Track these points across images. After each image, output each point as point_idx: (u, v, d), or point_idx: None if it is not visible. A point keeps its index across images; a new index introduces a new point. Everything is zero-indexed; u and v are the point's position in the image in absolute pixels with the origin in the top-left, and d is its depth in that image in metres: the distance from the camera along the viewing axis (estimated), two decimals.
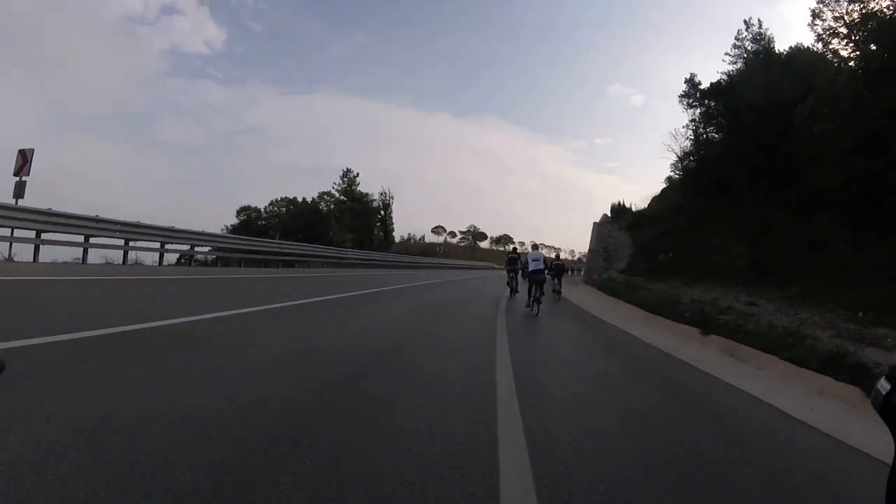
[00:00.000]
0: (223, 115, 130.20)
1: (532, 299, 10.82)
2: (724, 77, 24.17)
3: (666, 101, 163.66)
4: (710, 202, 21.60)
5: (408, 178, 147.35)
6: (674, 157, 28.69)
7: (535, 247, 12.29)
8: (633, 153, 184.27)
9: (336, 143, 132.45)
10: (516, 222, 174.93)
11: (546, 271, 11.45)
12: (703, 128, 25.64)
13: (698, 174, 24.26)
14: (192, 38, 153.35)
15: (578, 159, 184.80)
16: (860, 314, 10.42)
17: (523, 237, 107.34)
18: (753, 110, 19.44)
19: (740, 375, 5.94)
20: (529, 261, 11.13)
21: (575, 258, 51.85)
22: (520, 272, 13.95)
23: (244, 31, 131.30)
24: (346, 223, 53.49)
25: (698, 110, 29.02)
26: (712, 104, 23.52)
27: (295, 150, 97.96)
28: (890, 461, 0.64)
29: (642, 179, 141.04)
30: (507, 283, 14.57)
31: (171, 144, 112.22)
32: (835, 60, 18.33)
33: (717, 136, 24.74)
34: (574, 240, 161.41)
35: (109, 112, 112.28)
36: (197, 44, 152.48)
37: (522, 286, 12.56)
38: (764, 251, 15.53)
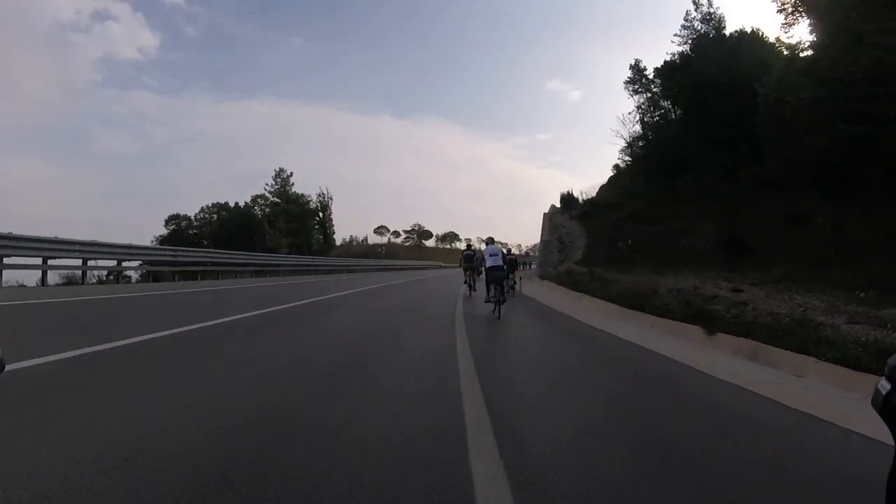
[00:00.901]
0: (159, 124, 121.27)
1: (492, 299, 9.02)
2: (676, 58, 23.29)
3: (603, 96, 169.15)
4: (667, 185, 20.47)
5: (351, 181, 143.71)
6: (622, 143, 27.85)
7: (490, 241, 10.38)
8: (574, 147, 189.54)
9: (277, 150, 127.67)
10: (462, 220, 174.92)
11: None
12: (653, 110, 24.78)
13: (652, 157, 23.21)
14: (126, 45, 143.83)
15: (521, 154, 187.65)
16: (860, 294, 9.09)
17: (470, 234, 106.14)
18: (712, 86, 18.43)
19: (786, 389, 4.01)
20: (486, 256, 9.48)
21: (522, 252, 50.42)
22: (477, 269, 13.50)
23: (179, 37, 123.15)
24: (281, 227, 49.43)
25: (644, 96, 28.74)
26: (667, 83, 22.44)
27: (236, 157, 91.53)
28: None
29: (585, 172, 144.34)
30: (465, 282, 14.05)
31: (106, 156, 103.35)
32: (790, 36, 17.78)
33: (671, 116, 23.85)
34: (520, 235, 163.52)
35: (41, 125, 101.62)
36: (130, 51, 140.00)
37: (480, 284, 11.60)
38: (736, 231, 14.28)
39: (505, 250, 15.91)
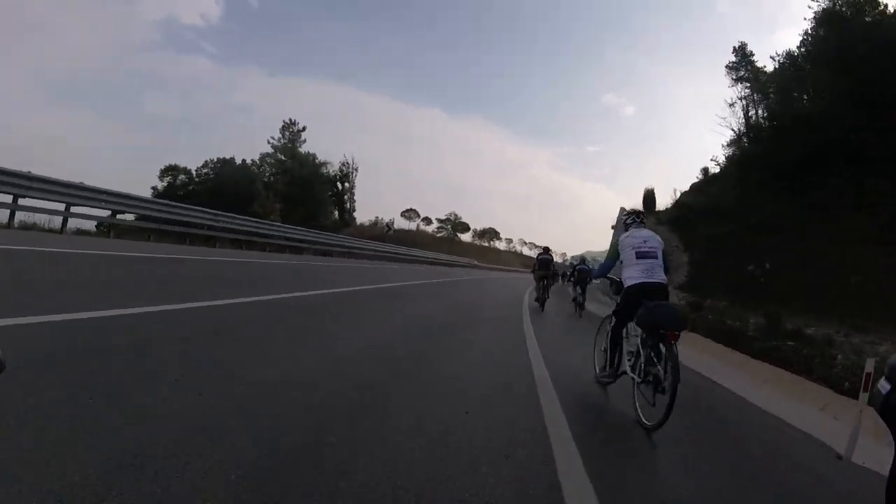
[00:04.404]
0: (210, 91, 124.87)
1: (650, 375, 3.49)
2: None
3: (657, 111, 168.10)
4: (801, 189, 15.62)
5: (391, 168, 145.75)
6: (730, 134, 23.33)
7: (638, 218, 4.34)
8: (624, 161, 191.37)
9: (322, 129, 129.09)
10: (499, 222, 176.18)
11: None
12: (791, 86, 20.00)
13: (771, 153, 18.29)
14: (190, 10, 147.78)
15: (566, 166, 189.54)
16: None
17: (508, 237, 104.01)
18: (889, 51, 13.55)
19: None
20: (626, 252, 3.98)
21: (566, 262, 45.31)
22: (560, 278, 12.49)
23: (243, 7, 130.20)
24: (280, 189, 44.84)
25: (746, 86, 24.75)
26: (835, 41, 17.27)
27: (278, 132, 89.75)
28: None
29: (631, 189, 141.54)
30: (537, 293, 12.50)
31: (153, 116, 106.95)
32: None
33: (806, 96, 19.07)
34: (556, 242, 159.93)
35: (95, 80, 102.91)
36: (193, 16, 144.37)
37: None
38: None
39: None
